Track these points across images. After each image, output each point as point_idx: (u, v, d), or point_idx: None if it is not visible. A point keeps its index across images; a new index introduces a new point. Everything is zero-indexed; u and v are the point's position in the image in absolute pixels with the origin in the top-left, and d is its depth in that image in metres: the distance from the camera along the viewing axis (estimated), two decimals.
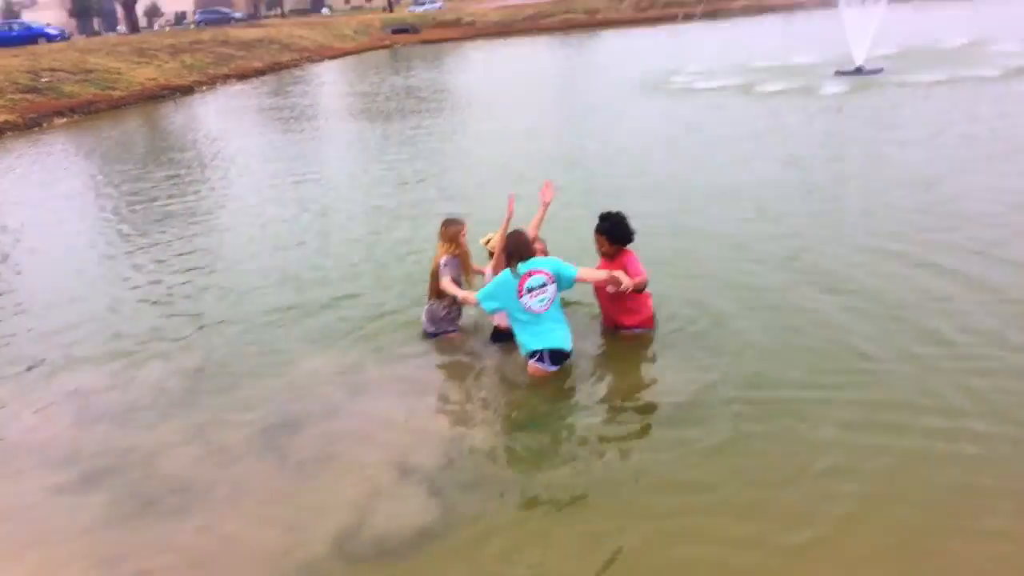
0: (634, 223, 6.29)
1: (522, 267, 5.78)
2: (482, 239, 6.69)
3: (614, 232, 6.19)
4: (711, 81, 21.84)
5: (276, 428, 5.79)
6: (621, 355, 6.40)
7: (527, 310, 5.79)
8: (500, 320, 6.47)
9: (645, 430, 5.42)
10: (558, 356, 5.91)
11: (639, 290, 6.14)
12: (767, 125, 15.34)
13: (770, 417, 5.30)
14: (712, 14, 52.33)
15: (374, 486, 4.97)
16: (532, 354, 5.91)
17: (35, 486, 5.38)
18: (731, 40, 36.45)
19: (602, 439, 5.29)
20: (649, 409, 5.66)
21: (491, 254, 6.59)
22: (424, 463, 5.17)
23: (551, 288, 5.81)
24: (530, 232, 6.27)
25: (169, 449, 5.65)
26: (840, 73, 20.87)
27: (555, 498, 4.75)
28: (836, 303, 6.87)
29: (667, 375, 6.00)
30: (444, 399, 6.09)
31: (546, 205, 6.54)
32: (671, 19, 52.63)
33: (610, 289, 6.01)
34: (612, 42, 44.06)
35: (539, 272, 5.79)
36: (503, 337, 6.50)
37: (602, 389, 5.91)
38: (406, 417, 5.79)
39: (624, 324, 6.47)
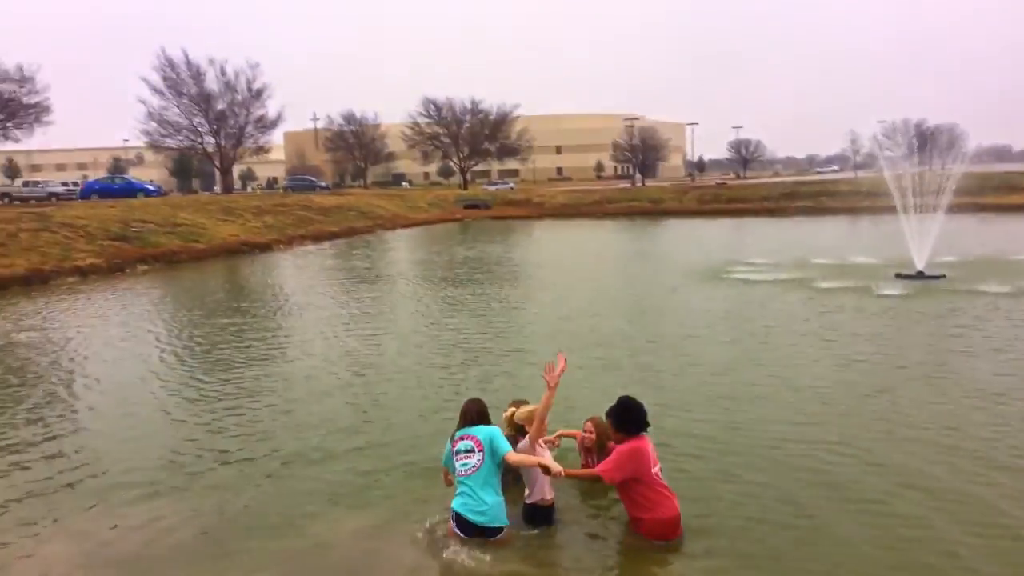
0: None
1: (459, 432, 6.18)
2: (505, 412, 6.63)
3: (616, 416, 6.15)
4: (769, 274, 21.99)
5: None
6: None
7: (455, 471, 6.15)
8: (531, 495, 6.29)
9: None
10: (465, 525, 5.97)
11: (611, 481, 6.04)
12: (822, 321, 15.16)
13: None
14: (773, 211, 53.65)
15: None
16: (451, 513, 6.11)
17: None
18: (792, 237, 37.07)
19: None
20: None
21: (511, 424, 6.52)
22: None
23: (477, 456, 6.01)
24: (537, 415, 6.17)
25: None
26: (900, 276, 20.78)
27: None
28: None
29: None
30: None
31: (551, 388, 6.13)
32: (733, 213, 54.08)
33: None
34: (674, 230, 45.29)
35: (469, 438, 6.10)
36: (539, 517, 6.29)
37: None
38: None
39: (633, 518, 6.11)
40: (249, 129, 65.53)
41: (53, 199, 49.57)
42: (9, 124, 43.82)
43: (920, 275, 20.67)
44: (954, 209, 30.09)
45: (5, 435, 9.34)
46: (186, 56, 61.72)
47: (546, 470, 5.82)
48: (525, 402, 6.92)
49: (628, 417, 6.09)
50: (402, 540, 6.28)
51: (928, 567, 5.70)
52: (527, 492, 6.35)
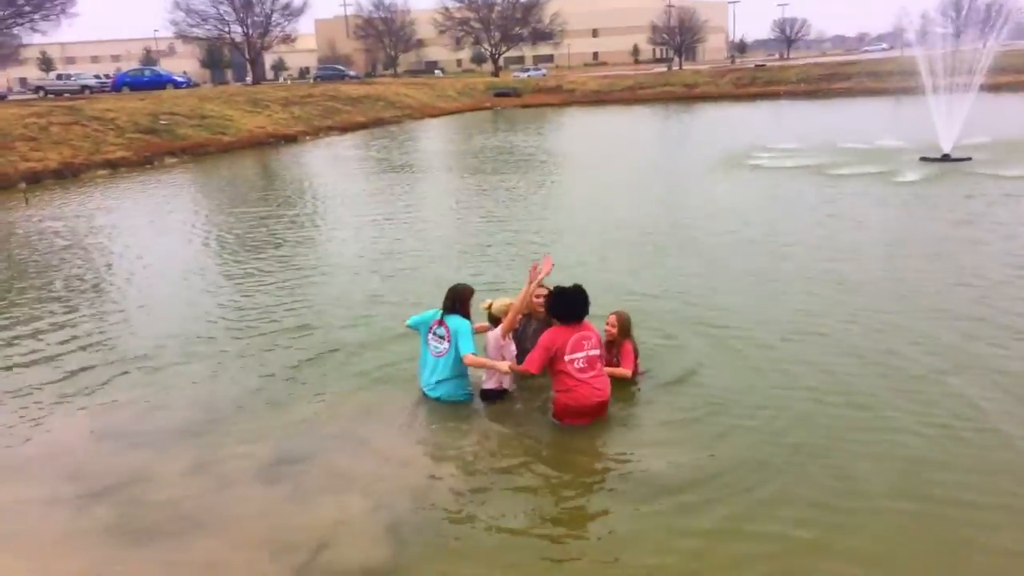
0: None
1: (441, 314, 6.65)
2: (482, 304, 6.92)
3: (550, 303, 6.42)
4: (792, 160, 21.68)
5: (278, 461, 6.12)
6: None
7: (426, 344, 6.74)
8: (488, 381, 6.70)
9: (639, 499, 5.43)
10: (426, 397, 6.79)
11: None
12: (832, 208, 15.09)
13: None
14: (811, 93, 51.92)
15: (344, 519, 5.26)
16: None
17: (35, 496, 5.81)
18: (825, 120, 36.09)
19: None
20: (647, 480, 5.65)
21: (490, 318, 6.81)
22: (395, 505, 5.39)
23: (444, 344, 6.60)
24: (513, 308, 6.56)
25: (171, 474, 5.98)
26: (925, 159, 20.34)
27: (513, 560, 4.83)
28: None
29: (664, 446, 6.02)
30: (436, 446, 6.27)
31: (532, 281, 6.57)
32: (769, 96, 52.51)
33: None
34: (706, 115, 44.26)
35: (442, 324, 6.61)
36: (491, 396, 6.71)
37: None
38: (395, 459, 6.03)
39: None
40: (275, 17, 64.59)
41: (86, 91, 49.91)
42: (36, 16, 43.70)
43: (946, 158, 20.20)
44: (998, 88, 28.90)
45: (33, 316, 10.03)
46: None
47: (496, 368, 6.48)
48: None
49: (559, 304, 6.29)
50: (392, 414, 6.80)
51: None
52: (484, 377, 6.75)
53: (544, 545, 4.94)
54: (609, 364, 6.80)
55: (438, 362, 6.65)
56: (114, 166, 26.85)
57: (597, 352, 6.27)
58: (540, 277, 6.59)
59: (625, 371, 6.87)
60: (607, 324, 7.03)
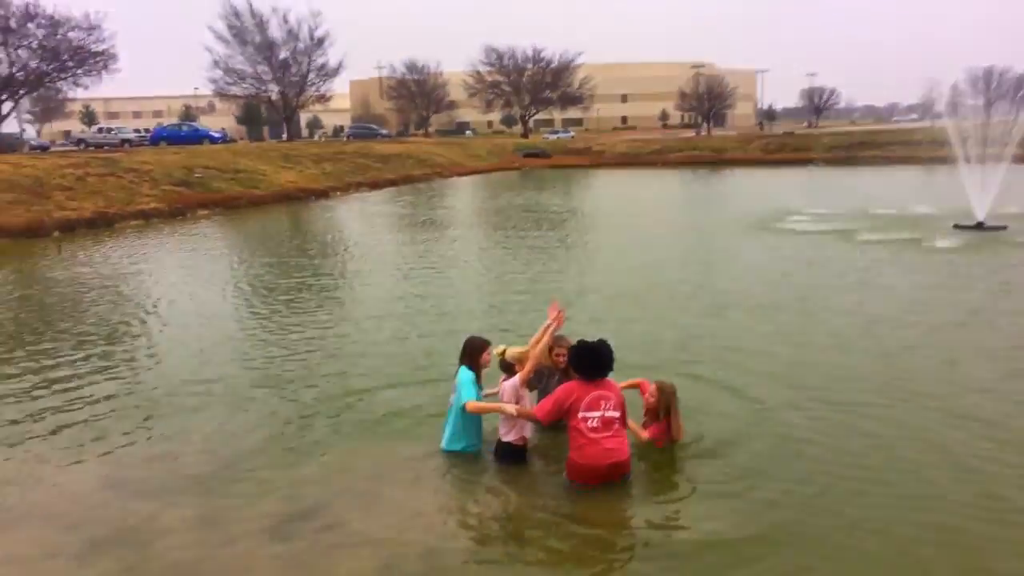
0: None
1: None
2: (496, 349, 6.71)
3: (571, 358, 6.26)
4: (825, 224, 21.42)
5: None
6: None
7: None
8: (507, 433, 6.43)
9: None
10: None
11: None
12: (861, 275, 14.75)
13: None
14: (843, 161, 51.83)
15: None
16: None
17: (37, 546, 5.59)
18: (856, 187, 35.85)
19: None
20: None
21: (503, 365, 6.59)
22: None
23: (453, 396, 6.55)
24: (533, 356, 6.38)
25: (177, 527, 5.76)
26: (959, 227, 19.99)
27: None
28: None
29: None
30: (450, 507, 6.01)
31: (546, 328, 6.58)
32: (799, 162, 52.48)
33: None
34: (736, 179, 44.25)
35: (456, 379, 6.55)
36: (509, 453, 6.45)
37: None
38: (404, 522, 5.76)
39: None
40: (311, 77, 66.08)
41: (125, 145, 51.24)
42: (79, 71, 45.13)
43: (980, 226, 19.84)
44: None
45: (55, 358, 9.96)
46: (250, 5, 62.38)
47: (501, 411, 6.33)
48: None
49: (581, 359, 6.08)
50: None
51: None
52: (501, 431, 6.47)
53: None
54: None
55: (448, 415, 6.64)
56: (146, 216, 27.26)
57: (617, 414, 5.99)
58: (553, 327, 6.44)
59: (644, 435, 6.56)
60: (647, 394, 6.77)
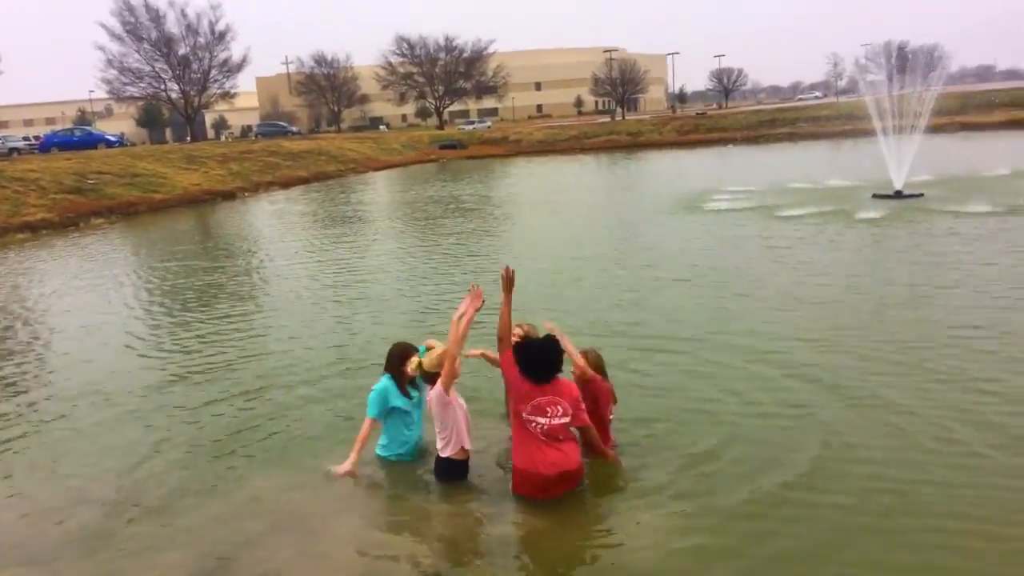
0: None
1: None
2: (409, 367, 5.89)
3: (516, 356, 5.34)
4: (747, 201, 21.21)
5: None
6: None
7: None
8: (444, 448, 5.61)
9: None
10: None
11: None
12: (795, 247, 14.44)
13: None
14: (754, 139, 52.62)
15: None
16: None
17: None
18: (771, 164, 36.21)
19: None
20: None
21: (426, 377, 5.73)
22: None
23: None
24: (448, 350, 5.48)
25: None
26: (878, 196, 20.07)
27: None
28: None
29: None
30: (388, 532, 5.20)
31: (460, 318, 5.48)
32: (713, 143, 53.06)
33: None
34: (653, 162, 44.25)
35: None
36: (447, 470, 5.66)
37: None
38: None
39: None
40: (213, 74, 63.42)
41: (14, 154, 47.86)
42: None
43: (898, 195, 19.96)
44: (936, 129, 29.37)
45: None
46: None
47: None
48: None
49: (523, 360, 5.26)
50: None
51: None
52: (439, 444, 5.64)
53: None
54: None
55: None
56: (34, 228, 25.16)
57: (567, 420, 5.23)
58: (469, 315, 5.44)
59: (606, 453, 5.76)
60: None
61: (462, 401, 5.65)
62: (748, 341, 8.75)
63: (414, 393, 6.03)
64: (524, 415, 5.20)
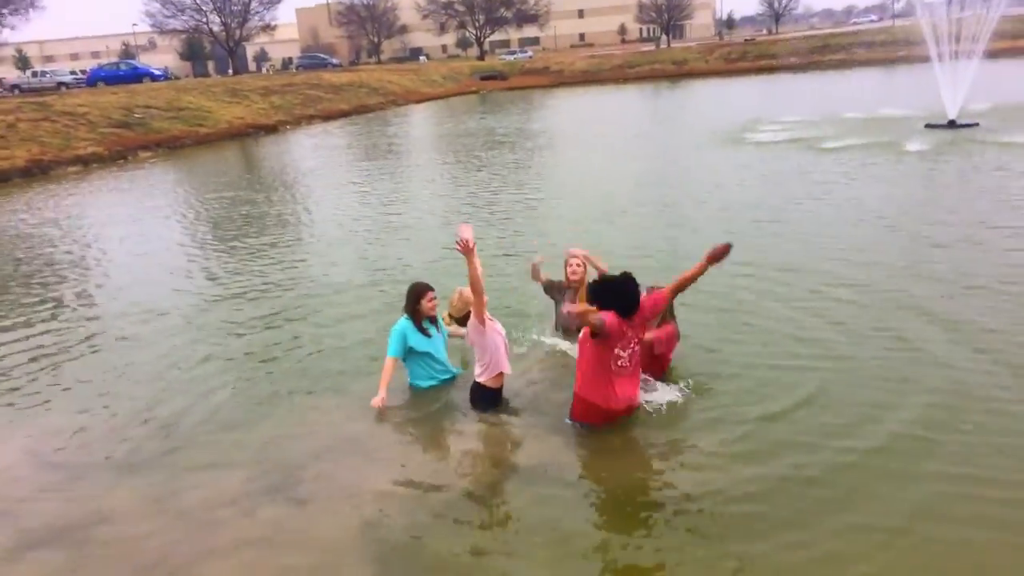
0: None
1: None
2: (443, 316, 6.08)
3: (599, 298, 5.28)
4: (797, 132, 20.74)
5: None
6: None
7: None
8: (482, 374, 5.82)
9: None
10: None
11: None
12: (835, 180, 14.19)
13: None
14: (805, 66, 50.95)
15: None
16: None
17: None
18: (823, 91, 35.15)
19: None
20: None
21: (459, 323, 5.88)
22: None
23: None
24: (475, 288, 5.54)
25: (125, 512, 5.05)
26: (931, 126, 19.48)
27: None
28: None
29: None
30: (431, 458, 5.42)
31: (469, 256, 5.41)
32: (762, 71, 51.53)
33: None
34: (698, 91, 43.24)
35: None
36: (484, 398, 5.87)
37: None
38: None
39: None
40: (254, 5, 63.15)
41: (62, 88, 48.59)
42: (4, 10, 42.36)
43: (952, 124, 19.34)
44: (997, 54, 28.12)
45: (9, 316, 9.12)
46: None
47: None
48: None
49: (606, 297, 5.22)
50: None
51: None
52: (478, 369, 5.83)
53: None
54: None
55: None
56: (85, 162, 25.77)
57: (637, 349, 5.34)
58: (472, 246, 5.34)
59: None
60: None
61: (499, 327, 5.82)
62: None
63: (432, 330, 6.19)
64: (615, 350, 5.21)
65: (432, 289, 6.13)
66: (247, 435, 5.90)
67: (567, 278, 6.71)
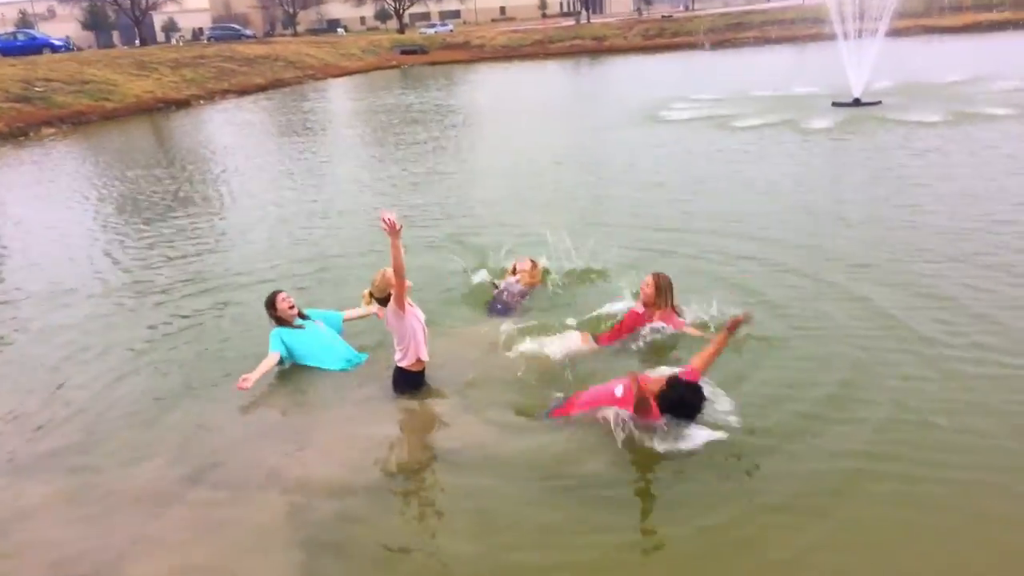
0: None
1: None
2: (362, 295, 6.11)
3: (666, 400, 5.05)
4: (707, 110, 21.26)
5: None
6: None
7: None
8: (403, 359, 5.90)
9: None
10: None
11: None
12: (739, 156, 14.70)
13: None
14: (720, 43, 51.97)
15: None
16: None
17: None
18: (736, 69, 36.00)
19: None
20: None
21: (380, 301, 5.90)
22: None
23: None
24: (395, 268, 5.52)
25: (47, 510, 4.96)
26: (837, 104, 20.26)
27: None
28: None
29: None
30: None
31: (392, 236, 5.40)
32: (678, 48, 52.36)
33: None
34: (618, 68, 43.69)
35: None
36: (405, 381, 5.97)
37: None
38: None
39: None
40: None
41: None
42: None
43: (857, 102, 20.16)
44: (900, 33, 29.26)
45: None
46: None
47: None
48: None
49: (677, 407, 5.03)
50: None
51: None
52: (397, 355, 5.92)
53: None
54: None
55: None
56: None
57: None
58: (399, 228, 5.34)
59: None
60: (643, 285, 6.64)
61: (419, 313, 5.89)
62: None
63: (306, 323, 6.68)
64: None
65: (281, 291, 6.72)
66: (163, 425, 5.83)
67: (529, 282, 7.58)
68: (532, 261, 7.71)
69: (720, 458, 4.91)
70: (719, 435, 5.01)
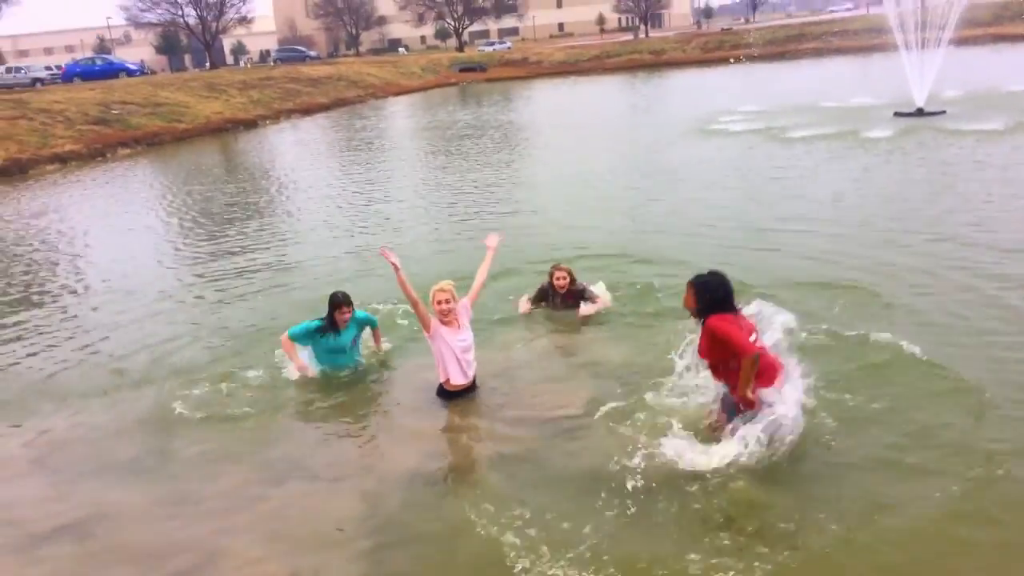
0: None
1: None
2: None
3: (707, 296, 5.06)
4: (768, 121, 21.11)
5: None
6: None
7: None
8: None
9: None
10: None
11: None
12: (802, 168, 14.59)
13: None
14: (781, 55, 51.42)
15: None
16: None
17: None
18: (797, 81, 35.58)
19: None
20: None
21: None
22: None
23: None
24: (479, 276, 6.10)
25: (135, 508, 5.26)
26: (899, 115, 19.91)
27: None
28: None
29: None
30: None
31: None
32: (737, 60, 51.98)
33: None
34: (677, 80, 43.60)
35: None
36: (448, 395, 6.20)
37: None
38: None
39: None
40: None
41: (37, 84, 48.12)
42: None
43: (920, 112, 19.77)
44: (969, 41, 28.52)
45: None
46: None
47: None
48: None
49: (712, 297, 5.01)
50: None
51: None
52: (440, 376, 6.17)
53: None
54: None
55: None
56: (63, 160, 25.69)
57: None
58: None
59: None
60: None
61: (460, 337, 5.98)
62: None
63: (341, 338, 6.75)
64: (758, 343, 5.03)
65: (349, 303, 6.67)
66: (240, 429, 6.12)
67: (553, 286, 7.75)
68: (566, 269, 7.77)
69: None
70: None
